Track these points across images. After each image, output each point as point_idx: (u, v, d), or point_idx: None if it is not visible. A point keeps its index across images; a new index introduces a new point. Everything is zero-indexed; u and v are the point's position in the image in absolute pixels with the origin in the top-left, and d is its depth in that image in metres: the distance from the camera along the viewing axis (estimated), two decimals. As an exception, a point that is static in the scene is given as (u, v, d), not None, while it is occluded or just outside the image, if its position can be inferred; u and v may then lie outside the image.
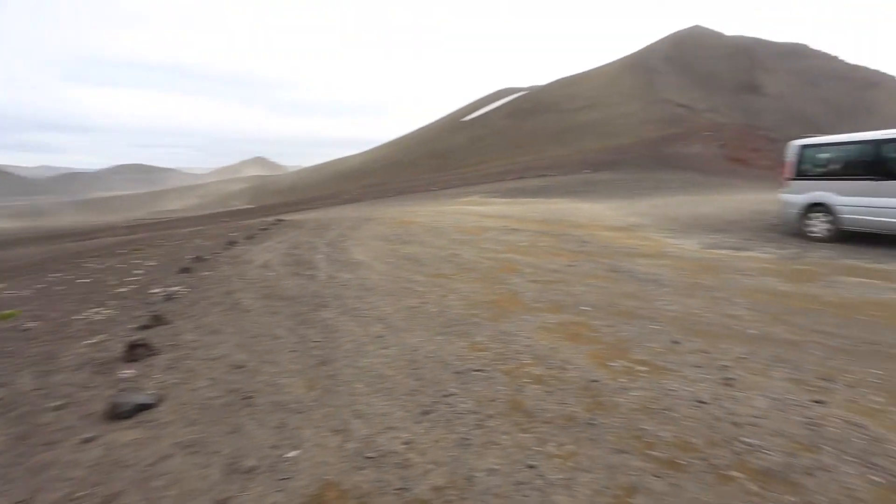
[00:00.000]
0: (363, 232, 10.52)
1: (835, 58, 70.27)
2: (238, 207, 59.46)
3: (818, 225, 8.47)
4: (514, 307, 5.19)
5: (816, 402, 3.07)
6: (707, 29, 73.91)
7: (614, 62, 73.86)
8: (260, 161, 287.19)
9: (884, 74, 62.92)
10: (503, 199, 18.39)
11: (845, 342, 4.07)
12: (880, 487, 2.28)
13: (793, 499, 2.23)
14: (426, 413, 3.07)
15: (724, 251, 8.26)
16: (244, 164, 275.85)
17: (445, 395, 3.28)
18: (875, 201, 7.61)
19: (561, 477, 2.43)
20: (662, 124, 50.72)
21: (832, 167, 8.33)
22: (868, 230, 7.84)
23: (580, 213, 13.27)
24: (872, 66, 65.61)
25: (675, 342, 4.12)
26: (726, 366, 3.64)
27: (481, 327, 4.56)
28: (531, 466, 2.52)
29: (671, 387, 3.30)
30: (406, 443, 2.76)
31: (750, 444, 2.63)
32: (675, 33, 73.88)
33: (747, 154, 39.32)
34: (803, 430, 2.75)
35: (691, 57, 67.23)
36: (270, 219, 15.63)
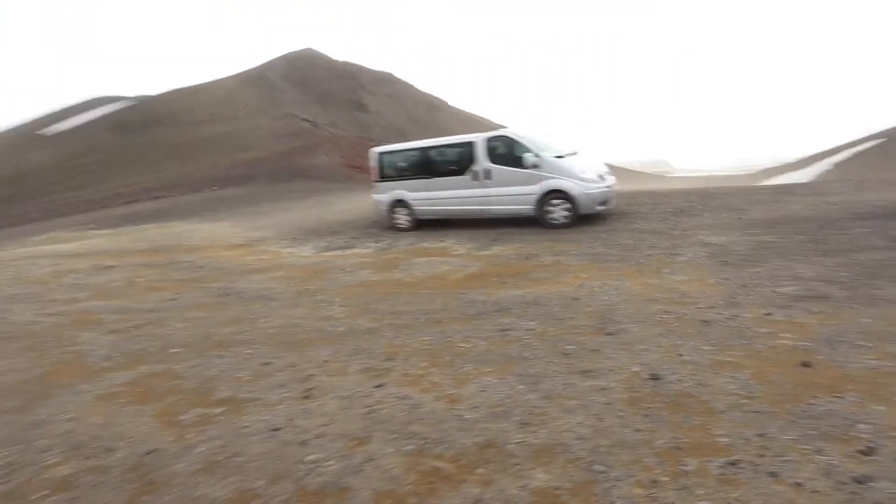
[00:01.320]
0: None
1: (412, 85, 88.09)
2: None
3: (402, 218, 10.07)
4: (69, 377, 3.89)
5: (378, 386, 3.28)
6: (318, 52, 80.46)
7: (232, 77, 71.61)
8: None
9: (442, 100, 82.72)
10: (103, 231, 14.92)
11: (409, 318, 4.68)
12: (410, 455, 2.48)
13: (339, 509, 2.16)
14: None
15: (334, 252, 8.76)
16: None
17: None
18: (431, 195, 9.54)
19: None
20: (290, 137, 52.44)
21: (402, 169, 10.02)
22: (433, 217, 9.78)
23: (199, 235, 11.93)
24: (434, 92, 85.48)
25: (266, 364, 3.83)
26: (310, 375, 3.56)
27: (3, 424, 3.15)
28: None
29: (246, 423, 2.94)
30: None
31: (312, 462, 2.50)
32: (288, 54, 77.32)
33: (362, 162, 44.85)
34: (361, 423, 2.83)
35: (307, 76, 71.77)
36: None
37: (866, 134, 64.33)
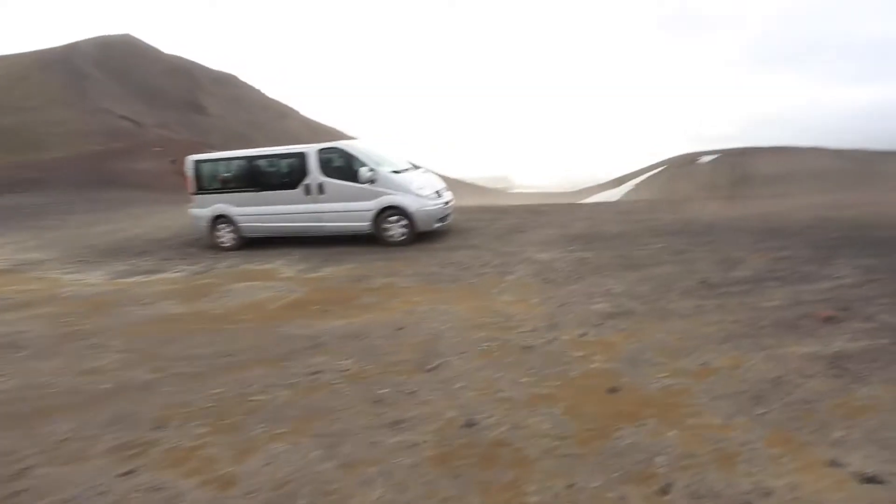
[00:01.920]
0: None
1: (259, 90, 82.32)
2: None
3: (226, 235, 8.81)
4: None
5: (126, 473, 2.44)
6: (140, 40, 70.38)
7: (16, 56, 58.61)
8: None
9: (291, 108, 78.87)
10: None
11: (204, 363, 3.81)
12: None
13: None
14: None
15: (135, 278, 7.23)
16: None
17: None
18: (259, 210, 8.51)
19: None
20: (106, 137, 44.46)
21: (226, 181, 8.79)
22: (261, 235, 8.73)
23: (-62, 258, 9.05)
24: (283, 100, 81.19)
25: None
26: (26, 468, 2.55)
27: None
28: None
29: None
30: None
31: None
32: (102, 37, 66.21)
33: (200, 169, 40.11)
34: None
35: (128, 67, 62.14)
36: None
37: (659, 160, 77.50)
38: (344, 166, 8.17)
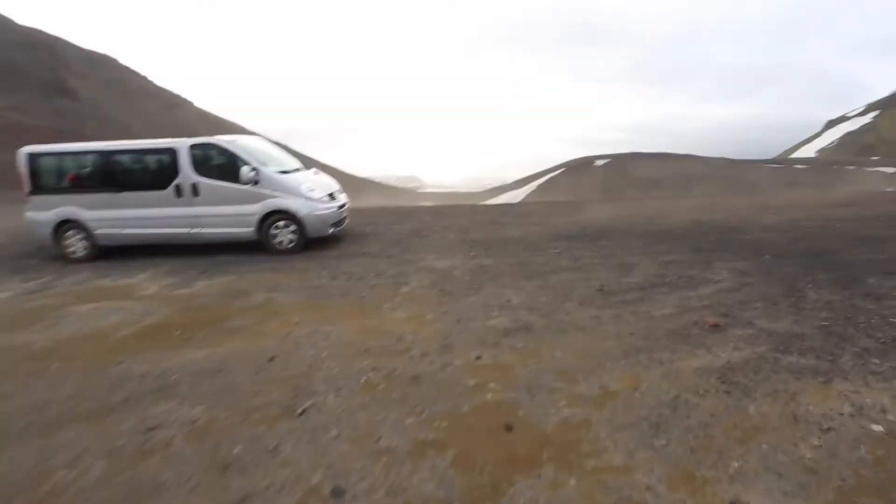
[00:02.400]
0: None
1: (144, 76, 74.15)
2: None
3: (76, 244, 7.39)
4: None
5: None
6: (-15, 10, 59.88)
7: None
8: None
9: (182, 97, 72.09)
10: None
11: (1, 425, 2.88)
12: None
13: None
14: None
15: (-61, 301, 5.70)
16: None
17: None
18: (119, 214, 7.23)
19: None
20: (-61, 121, 37.26)
21: (76, 180, 7.35)
22: (123, 243, 7.44)
23: None
24: (176, 89, 74.03)
25: None
26: None
27: None
28: None
29: None
30: None
31: None
32: (-67, 6, 55.46)
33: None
34: None
35: (-34, 40, 52.72)
36: None
37: (555, 164, 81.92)
38: (223, 165, 7.19)
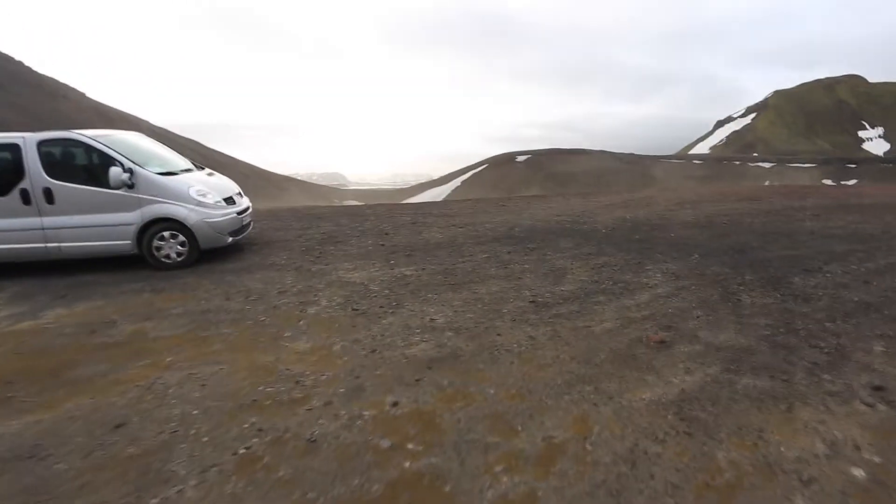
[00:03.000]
0: None
1: (21, 63, 65.12)
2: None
3: None
4: None
5: None
6: None
7: None
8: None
9: (71, 87, 64.27)
10: None
11: None
12: None
13: None
14: None
15: None
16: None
17: None
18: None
19: None
20: None
21: None
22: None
23: None
24: (60, 77, 65.67)
25: None
26: None
27: None
28: None
29: None
30: None
31: None
32: None
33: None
34: None
35: None
36: None
37: (478, 160, 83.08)
38: (88, 165, 5.88)
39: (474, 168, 77.73)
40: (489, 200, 12.27)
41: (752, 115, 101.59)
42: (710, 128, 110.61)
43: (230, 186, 6.85)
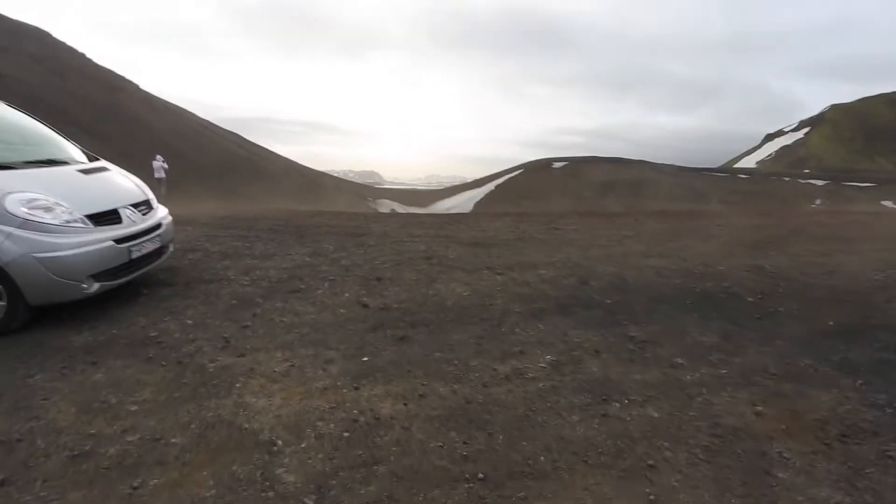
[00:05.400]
0: None
1: (82, 54, 66.12)
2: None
3: None
4: None
5: None
6: None
7: None
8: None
9: (126, 79, 64.71)
10: None
11: None
12: None
13: None
14: None
15: None
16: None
17: None
18: None
19: None
20: None
21: None
22: None
23: None
24: (117, 69, 66.23)
25: None
26: None
27: None
28: None
29: None
30: None
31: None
32: None
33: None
34: None
35: None
36: None
37: (516, 164, 79.46)
38: None
39: (509, 172, 74.17)
40: (536, 218, 9.09)
41: (806, 130, 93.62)
42: (758, 141, 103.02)
43: (118, 193, 3.95)
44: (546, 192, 60.99)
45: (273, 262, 5.00)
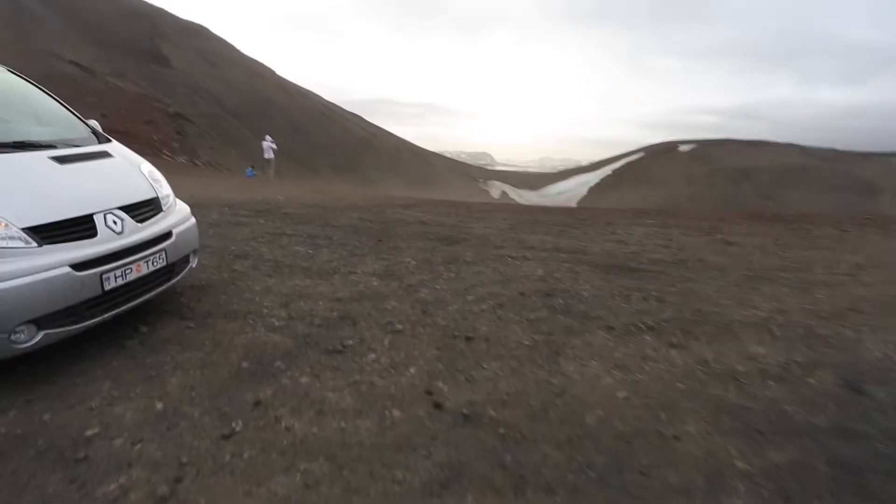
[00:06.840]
0: None
1: (231, 45, 73.35)
2: None
3: None
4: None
5: None
6: (95, -22, 60.42)
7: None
8: None
9: (265, 66, 70.43)
10: None
11: None
12: None
13: None
14: None
15: None
16: None
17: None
18: None
19: None
20: (44, 82, 36.73)
21: None
22: None
23: None
24: (258, 57, 72.70)
25: None
26: None
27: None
28: None
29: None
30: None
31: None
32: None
33: (139, 126, 33.08)
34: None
35: (77, 5, 53.00)
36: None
37: (633, 148, 71.98)
38: None
39: (628, 156, 67.18)
40: (686, 221, 6.57)
41: None
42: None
43: (105, 190, 2.67)
44: (669, 179, 53.97)
45: (328, 287, 3.55)
